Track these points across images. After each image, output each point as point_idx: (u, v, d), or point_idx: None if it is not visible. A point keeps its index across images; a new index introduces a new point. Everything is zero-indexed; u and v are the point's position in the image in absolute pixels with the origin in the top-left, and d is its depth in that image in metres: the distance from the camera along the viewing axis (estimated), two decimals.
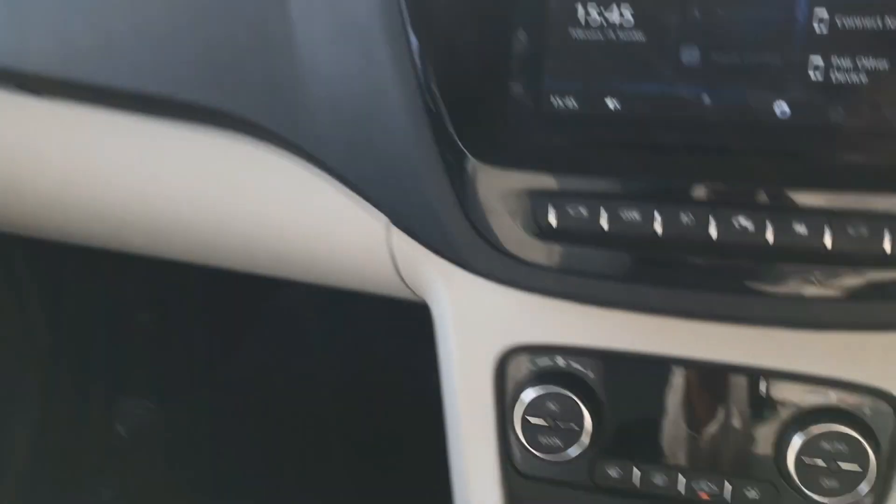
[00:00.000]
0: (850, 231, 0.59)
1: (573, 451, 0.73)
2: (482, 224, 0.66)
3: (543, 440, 0.74)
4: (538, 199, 0.64)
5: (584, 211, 0.63)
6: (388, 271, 0.78)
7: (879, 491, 0.70)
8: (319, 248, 0.82)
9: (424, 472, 1.01)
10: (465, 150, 0.65)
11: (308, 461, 1.59)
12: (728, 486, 0.73)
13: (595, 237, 0.63)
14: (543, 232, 0.65)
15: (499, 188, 0.65)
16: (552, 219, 0.64)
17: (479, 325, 0.76)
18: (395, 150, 0.68)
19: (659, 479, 0.74)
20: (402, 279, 0.79)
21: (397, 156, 0.68)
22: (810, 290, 0.61)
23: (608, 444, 0.75)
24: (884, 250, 0.59)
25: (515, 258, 0.66)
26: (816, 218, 0.60)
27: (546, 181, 0.64)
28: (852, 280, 0.60)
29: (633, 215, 0.62)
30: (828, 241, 0.59)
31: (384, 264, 0.78)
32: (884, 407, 0.69)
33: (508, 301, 0.73)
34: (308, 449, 1.60)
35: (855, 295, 0.60)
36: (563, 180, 0.64)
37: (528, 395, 0.73)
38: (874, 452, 0.67)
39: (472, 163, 0.65)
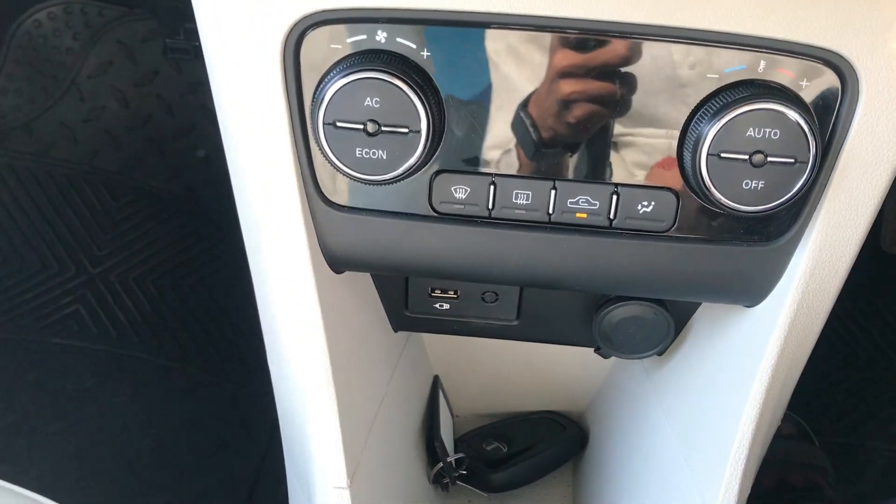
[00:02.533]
0: None
1: (403, 166, 0.51)
2: None
3: (362, 153, 0.51)
4: None
5: None
6: None
7: (815, 190, 0.53)
8: None
9: None
10: None
11: None
12: (614, 200, 0.54)
13: None
14: None
15: None
16: None
17: None
18: None
19: (522, 197, 0.54)
20: None
21: None
22: None
23: (451, 152, 0.53)
24: None
25: None
26: None
27: None
28: None
29: None
30: None
31: None
32: (829, 78, 0.50)
33: None
34: None
35: None
36: None
37: (335, 87, 0.49)
38: (814, 138, 0.49)
39: None
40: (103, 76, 1.48)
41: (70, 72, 1.48)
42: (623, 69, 0.50)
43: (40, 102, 1.47)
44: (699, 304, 0.66)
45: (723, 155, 0.49)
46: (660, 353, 0.69)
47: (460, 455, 0.76)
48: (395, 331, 0.71)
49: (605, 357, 0.72)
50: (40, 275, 1.41)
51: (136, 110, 1.50)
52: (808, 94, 0.50)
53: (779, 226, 0.54)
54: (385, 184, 0.52)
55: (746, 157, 0.49)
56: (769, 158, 0.49)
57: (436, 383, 0.78)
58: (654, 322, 0.65)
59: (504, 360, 0.81)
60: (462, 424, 0.84)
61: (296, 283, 0.57)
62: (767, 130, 0.49)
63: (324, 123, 0.50)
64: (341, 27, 0.50)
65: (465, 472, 0.77)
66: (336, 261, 0.58)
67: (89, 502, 1.18)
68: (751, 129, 0.49)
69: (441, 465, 0.73)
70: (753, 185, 0.50)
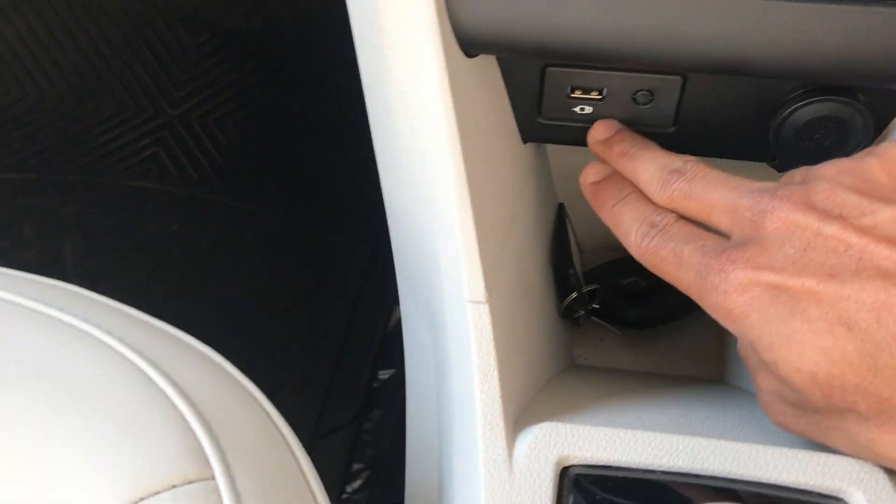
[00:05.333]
0: None
1: None
2: None
3: None
4: None
5: None
6: None
7: None
8: None
9: None
10: None
11: None
12: None
13: None
14: None
15: None
16: None
17: None
18: None
19: None
20: None
21: None
22: None
23: None
24: None
25: None
26: None
27: None
28: None
29: None
30: None
31: None
32: None
33: None
34: None
35: None
36: None
37: None
38: None
39: None
40: None
41: None
42: None
43: None
44: None
45: None
46: None
47: (594, 286, 0.67)
48: (525, 142, 0.61)
49: (781, 171, 0.61)
50: (117, 117, 1.34)
51: None
52: None
53: None
54: None
55: None
56: None
57: (561, 211, 0.68)
58: (849, 122, 0.52)
59: None
60: (589, 259, 0.74)
61: (424, 64, 0.46)
62: None
63: None
64: None
65: (597, 307, 0.67)
66: (468, 39, 0.47)
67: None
68: None
69: (573, 296, 0.64)
70: None
